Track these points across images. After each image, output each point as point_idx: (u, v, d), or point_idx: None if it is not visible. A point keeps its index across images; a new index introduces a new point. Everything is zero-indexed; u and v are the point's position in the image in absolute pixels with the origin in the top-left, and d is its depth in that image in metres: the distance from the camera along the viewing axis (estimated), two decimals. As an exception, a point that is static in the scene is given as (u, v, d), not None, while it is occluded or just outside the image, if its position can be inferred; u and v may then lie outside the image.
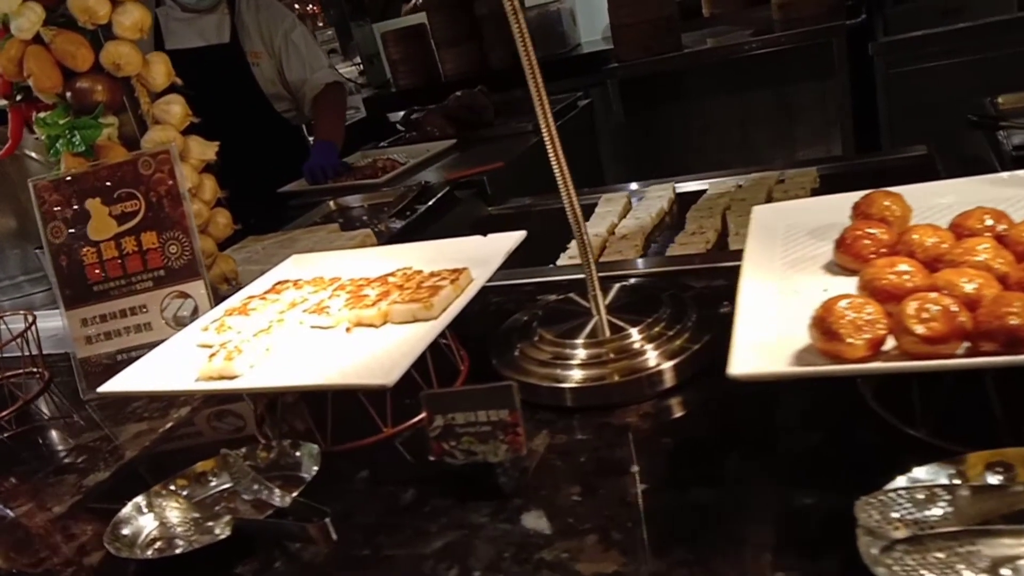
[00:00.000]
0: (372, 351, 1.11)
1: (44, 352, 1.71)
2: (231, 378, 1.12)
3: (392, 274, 1.28)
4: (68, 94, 1.57)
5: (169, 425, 1.39)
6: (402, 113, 4.72)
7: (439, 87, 4.68)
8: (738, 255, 1.50)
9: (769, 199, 1.79)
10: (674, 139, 3.82)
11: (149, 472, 1.27)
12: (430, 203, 2.24)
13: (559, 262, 1.76)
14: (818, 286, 0.98)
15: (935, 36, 3.19)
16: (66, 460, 1.37)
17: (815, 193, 1.79)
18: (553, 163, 1.16)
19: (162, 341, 1.54)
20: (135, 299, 1.56)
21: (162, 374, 1.19)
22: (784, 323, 0.90)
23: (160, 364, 1.22)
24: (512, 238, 1.33)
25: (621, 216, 1.94)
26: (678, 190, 2.04)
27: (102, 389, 1.16)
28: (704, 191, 1.97)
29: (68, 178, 1.56)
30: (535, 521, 0.92)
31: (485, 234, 1.40)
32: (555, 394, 1.13)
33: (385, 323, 1.17)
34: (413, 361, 1.01)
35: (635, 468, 0.97)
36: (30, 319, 1.71)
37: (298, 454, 1.11)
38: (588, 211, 2.12)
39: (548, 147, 1.15)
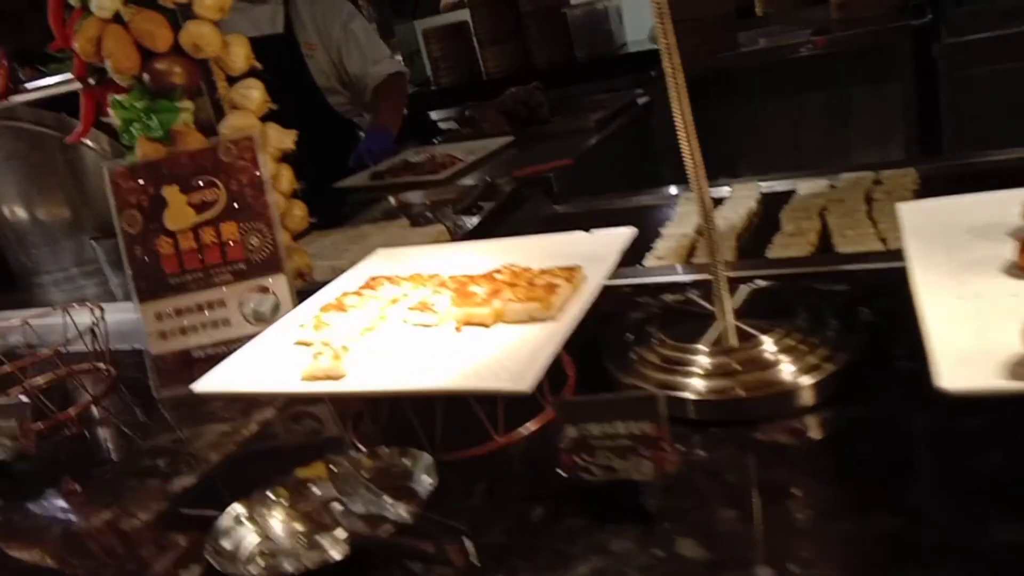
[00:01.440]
0: (491, 353, 1.01)
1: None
2: (339, 379, 1.03)
3: (498, 271, 1.18)
4: (145, 76, 1.49)
5: (254, 427, 1.30)
6: (436, 112, 4.66)
7: (480, 85, 4.60)
8: (860, 258, 1.42)
9: (868, 200, 1.69)
10: (728, 140, 3.70)
11: (239, 478, 1.17)
12: (499, 200, 2.14)
13: (646, 263, 1.66)
14: (1003, 291, 0.88)
15: (1002, 38, 3.06)
16: (146, 463, 1.28)
17: (918, 195, 1.68)
18: (686, 156, 1.06)
19: (240, 338, 1.46)
20: (213, 293, 1.47)
21: (260, 373, 1.10)
22: (980, 331, 0.79)
23: (256, 362, 1.13)
24: (623, 235, 1.23)
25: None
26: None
27: (200, 388, 1.07)
28: (789, 192, 1.87)
29: (144, 164, 1.48)
30: (693, 549, 0.81)
31: (588, 229, 1.30)
32: (677, 405, 1.03)
33: (497, 323, 1.08)
34: (547, 365, 0.91)
35: (796, 491, 0.86)
36: (98, 312, 1.63)
37: (407, 463, 1.01)
38: (664, 211, 2.02)
39: (682, 138, 1.05)
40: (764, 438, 0.95)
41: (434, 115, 4.74)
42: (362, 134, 3.14)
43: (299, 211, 1.64)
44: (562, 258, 1.20)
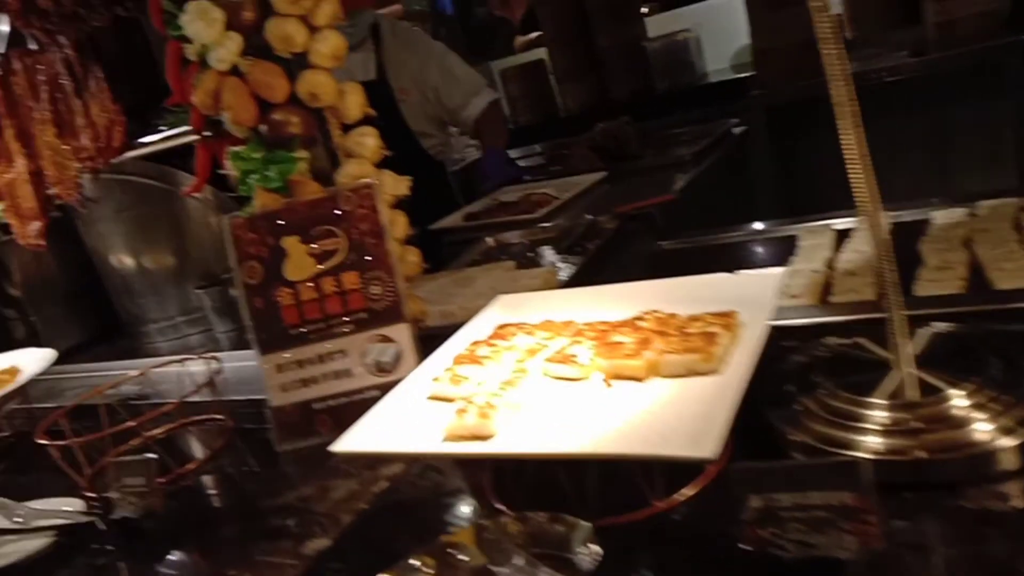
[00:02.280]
0: (652, 411, 0.93)
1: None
2: (487, 439, 0.96)
3: (641, 318, 1.10)
4: (263, 127, 1.47)
5: (383, 484, 1.24)
6: (515, 150, 4.64)
7: (559, 122, 4.56)
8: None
9: (1018, 227, 1.55)
10: (820, 169, 3.56)
11: (375, 540, 1.12)
12: (604, 238, 2.07)
13: (780, 302, 1.55)
14: None
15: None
16: (275, 522, 1.23)
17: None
18: (859, 185, 0.97)
19: (362, 389, 1.42)
20: (334, 344, 1.43)
21: (399, 431, 1.04)
22: None
23: (392, 419, 1.07)
24: (774, 275, 1.14)
25: (833, 250, 1.72)
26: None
27: (339, 448, 1.02)
28: (919, 221, 1.74)
29: (263, 215, 1.46)
30: (914, 637, 0.71)
31: (731, 270, 1.21)
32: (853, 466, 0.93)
33: (651, 376, 1.00)
34: (727, 427, 0.83)
35: (1026, 568, 0.75)
36: (215, 365, 1.62)
37: (561, 530, 0.94)
38: (780, 245, 1.92)
39: (855, 167, 0.96)
40: (973, 506, 0.84)
41: (513, 154, 4.72)
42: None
43: (413, 257, 1.60)
44: (706, 302, 1.11)
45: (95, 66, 1.75)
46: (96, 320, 2.75)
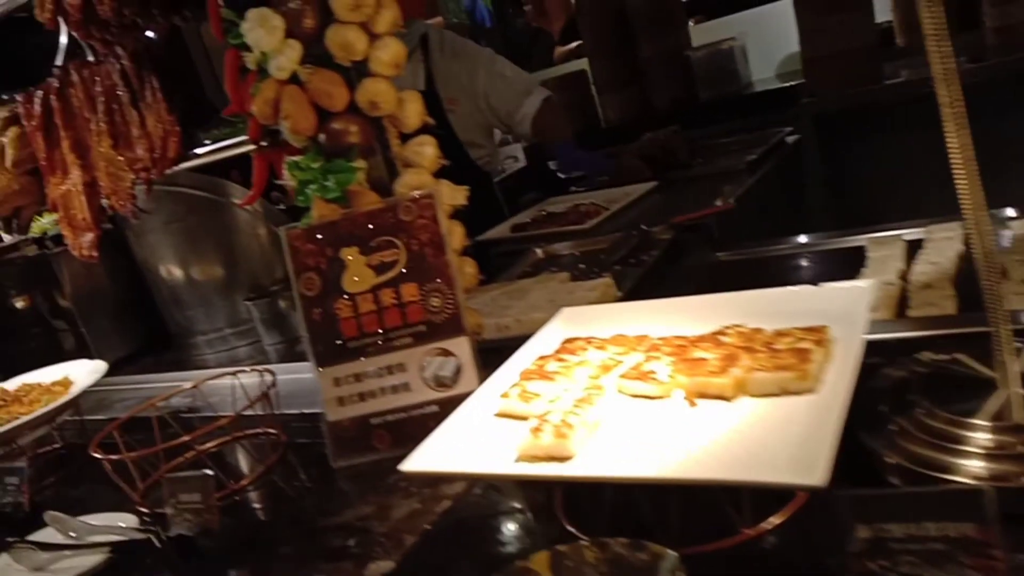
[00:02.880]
0: (744, 433, 0.87)
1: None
2: (565, 460, 0.91)
3: (723, 332, 1.05)
4: (321, 136, 1.45)
5: (446, 503, 1.19)
6: (555, 161, 4.60)
7: (598, 133, 4.52)
8: None
9: (1106, 239, 1.47)
10: (878, 178, 3.47)
11: (442, 563, 1.07)
12: (661, 249, 2.01)
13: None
14: None
15: None
16: (335, 542, 1.19)
17: None
18: (964, 191, 0.90)
19: (421, 404, 1.38)
20: (392, 357, 1.39)
21: (469, 450, 0.99)
22: None
23: (460, 437, 1.02)
24: (864, 288, 1.08)
25: (904, 261, 1.65)
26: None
27: (409, 467, 0.97)
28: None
29: (322, 226, 1.43)
30: None
31: (816, 283, 1.15)
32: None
33: (739, 395, 0.94)
34: (835, 451, 0.77)
35: None
36: (269, 378, 1.59)
37: (645, 558, 0.88)
38: (845, 257, 1.85)
39: (960, 172, 0.90)
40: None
41: (553, 165, 4.68)
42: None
43: (470, 268, 1.56)
44: (790, 316, 1.05)
45: (151, 76, 1.74)
46: (144, 331, 2.75)
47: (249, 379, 1.69)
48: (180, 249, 2.42)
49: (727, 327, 1.06)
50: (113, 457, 1.46)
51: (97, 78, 1.82)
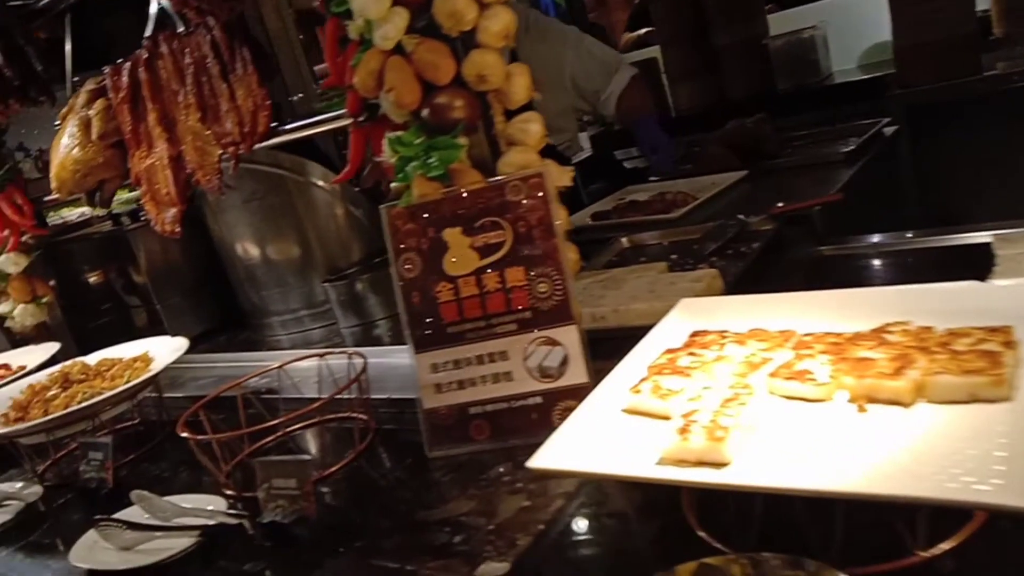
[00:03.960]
0: (931, 442, 0.76)
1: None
2: (720, 466, 0.81)
3: (885, 330, 0.94)
4: (425, 111, 1.37)
5: (558, 502, 1.11)
6: (621, 151, 4.48)
7: (669, 123, 4.38)
8: None
9: None
10: (967, 173, 3.28)
11: (561, 568, 0.99)
12: (764, 241, 1.89)
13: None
14: None
15: None
16: (441, 538, 1.11)
17: None
18: None
19: (523, 395, 1.30)
20: (495, 344, 1.31)
21: (601, 449, 0.90)
22: None
23: (589, 435, 0.94)
24: (1041, 286, 0.96)
25: (1041, 260, 1.51)
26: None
27: (538, 464, 0.89)
28: None
29: (424, 205, 1.35)
30: None
31: (982, 278, 1.04)
32: None
33: (917, 400, 0.83)
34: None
35: None
36: (359, 361, 1.52)
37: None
38: (965, 253, 1.71)
39: None
40: None
41: (619, 154, 4.56)
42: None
43: (573, 254, 1.46)
44: (957, 315, 0.94)
45: (243, 48, 1.68)
46: (217, 310, 2.72)
47: (336, 361, 1.63)
48: (258, 228, 2.38)
49: (889, 324, 0.95)
50: (200, 437, 1.41)
51: (187, 49, 1.77)
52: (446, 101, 1.36)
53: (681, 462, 0.83)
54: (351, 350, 1.57)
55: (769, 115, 2.91)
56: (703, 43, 4.32)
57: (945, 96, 3.19)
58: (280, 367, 1.64)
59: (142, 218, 2.73)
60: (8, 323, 2.55)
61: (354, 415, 1.56)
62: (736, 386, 0.92)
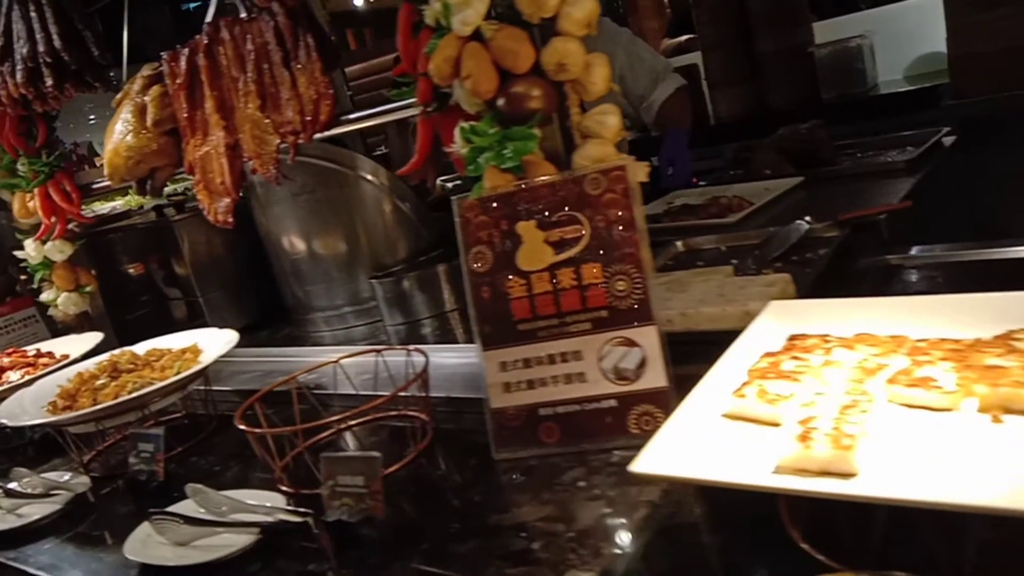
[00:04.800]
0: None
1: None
2: (843, 475, 0.75)
3: (1012, 337, 0.87)
4: (500, 100, 1.32)
5: (643, 511, 1.05)
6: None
7: (707, 130, 4.32)
8: None
9: None
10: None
11: (656, 582, 0.93)
12: (832, 247, 1.82)
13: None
14: None
15: None
16: (516, 543, 1.05)
17: None
18: None
19: (597, 397, 1.24)
20: (568, 343, 1.25)
21: (706, 455, 0.84)
22: None
23: (689, 439, 0.88)
24: None
25: None
26: None
27: (643, 469, 0.83)
28: None
29: (498, 197, 1.30)
30: None
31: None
32: None
33: (1058, 413, 0.77)
34: None
35: None
36: (419, 358, 1.47)
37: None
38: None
39: None
40: None
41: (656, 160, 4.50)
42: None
43: (646, 254, 1.40)
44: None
45: (307, 35, 1.64)
46: (258, 305, 2.68)
47: (393, 358, 1.58)
48: (306, 221, 2.33)
49: (1014, 331, 0.88)
50: (260, 431, 1.37)
51: (249, 36, 1.73)
52: (523, 90, 1.31)
53: (802, 471, 0.77)
54: (411, 347, 1.52)
55: (823, 122, 2.84)
56: (746, 50, 4.25)
57: (1002, 107, 3.10)
58: (337, 361, 1.59)
59: (188, 208, 2.72)
60: (51, 311, 2.53)
61: (409, 413, 1.51)
62: (853, 392, 0.85)
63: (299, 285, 2.44)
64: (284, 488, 1.38)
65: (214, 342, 1.84)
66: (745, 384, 0.93)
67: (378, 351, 1.58)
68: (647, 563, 0.97)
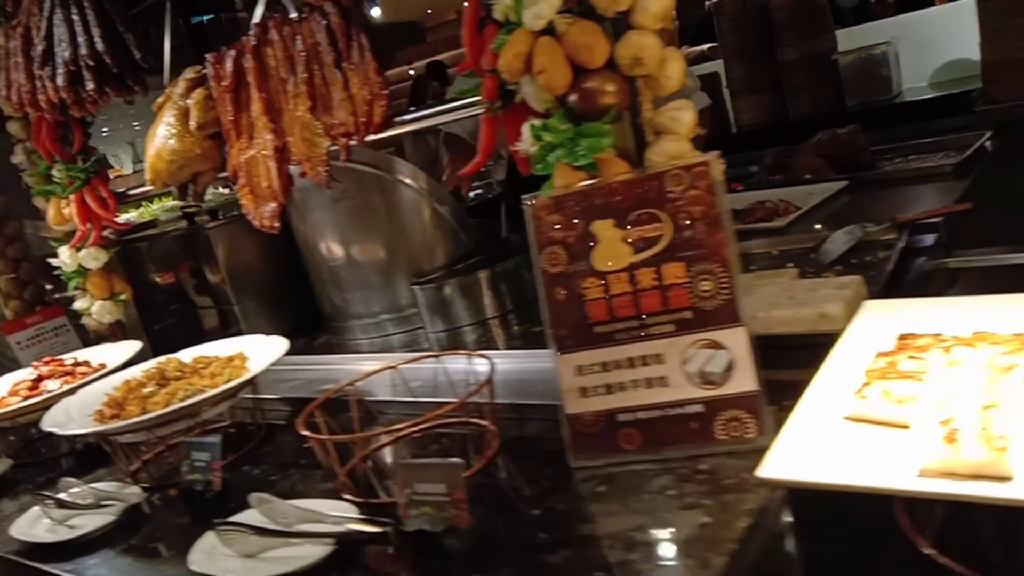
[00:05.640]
0: None
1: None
2: (998, 479, 0.70)
3: None
4: (572, 96, 1.27)
5: (746, 520, 0.99)
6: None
7: (728, 138, 4.28)
8: None
9: None
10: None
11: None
12: (894, 250, 1.77)
13: None
14: None
15: None
16: (611, 554, 1.00)
17: None
18: None
19: (680, 402, 1.19)
20: (649, 346, 1.20)
21: (836, 459, 0.79)
22: None
23: (813, 443, 0.83)
24: None
25: None
26: None
27: (771, 475, 0.78)
28: None
29: (572, 196, 1.25)
30: None
31: None
32: None
33: None
34: None
35: None
36: (481, 363, 1.42)
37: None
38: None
39: None
40: None
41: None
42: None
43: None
44: None
45: (360, 35, 1.60)
46: (292, 313, 2.63)
47: (452, 365, 1.53)
48: (345, 228, 2.29)
49: None
50: (326, 437, 1.32)
51: (299, 36, 1.69)
52: (597, 85, 1.27)
53: (950, 475, 0.72)
54: (474, 353, 1.47)
55: (861, 126, 2.79)
56: (769, 58, 4.22)
57: (1036, 111, 3.06)
58: (395, 367, 1.55)
59: (222, 216, 2.68)
60: (84, 320, 2.48)
61: (471, 421, 1.46)
62: (990, 392, 0.80)
63: (337, 292, 2.39)
64: (349, 497, 1.33)
65: (260, 349, 1.79)
66: (865, 385, 0.88)
67: (437, 356, 1.54)
68: (758, 574, 0.92)
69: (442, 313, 2.19)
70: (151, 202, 4.11)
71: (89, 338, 2.61)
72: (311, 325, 2.55)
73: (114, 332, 2.50)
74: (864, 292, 1.52)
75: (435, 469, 1.11)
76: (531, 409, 1.48)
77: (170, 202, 5.19)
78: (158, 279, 2.87)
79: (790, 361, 1.23)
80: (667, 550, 0.97)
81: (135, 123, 6.36)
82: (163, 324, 2.82)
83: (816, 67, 4.12)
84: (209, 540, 1.25)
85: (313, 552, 1.16)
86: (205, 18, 4.97)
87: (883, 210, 2.18)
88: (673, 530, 1.01)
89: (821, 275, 1.76)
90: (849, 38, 4.26)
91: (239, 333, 2.47)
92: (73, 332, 2.69)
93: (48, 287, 2.89)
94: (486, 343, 2.10)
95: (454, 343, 2.13)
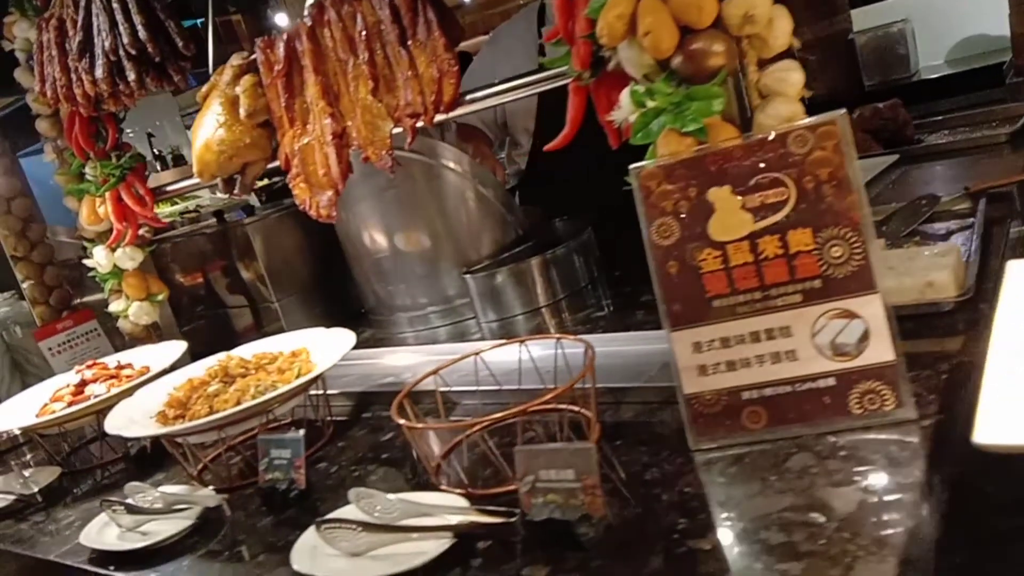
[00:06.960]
0: None
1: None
2: None
3: None
4: (676, 59, 1.20)
5: (909, 495, 0.92)
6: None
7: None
8: None
9: None
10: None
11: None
12: (982, 219, 1.71)
13: None
14: None
15: None
16: (770, 539, 0.93)
17: None
18: None
19: (811, 376, 1.11)
20: (774, 318, 1.13)
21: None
22: None
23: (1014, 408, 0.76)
24: None
25: None
26: None
27: (990, 441, 0.71)
28: None
29: (683, 163, 1.18)
30: None
31: None
32: None
33: None
34: None
35: None
36: (577, 348, 1.34)
37: None
38: None
39: None
40: None
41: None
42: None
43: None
44: None
45: (427, 8, 1.52)
46: (330, 308, 2.54)
47: (538, 350, 1.45)
48: (390, 217, 2.20)
49: None
50: (422, 426, 1.24)
51: (359, 14, 1.60)
52: (705, 46, 1.19)
53: None
54: (562, 336, 1.39)
55: (901, 101, 2.73)
56: (783, 40, 4.16)
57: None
58: (477, 354, 1.46)
59: (258, 212, 2.59)
60: (120, 323, 2.38)
61: (570, 408, 1.38)
62: None
63: (381, 285, 2.31)
64: (445, 488, 1.25)
65: (323, 343, 1.71)
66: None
67: (522, 341, 1.45)
68: (944, 550, 0.84)
69: (494, 302, 2.12)
70: (159, 205, 4.01)
71: (120, 342, 2.51)
72: (353, 319, 2.46)
73: (149, 334, 2.40)
74: (962, 260, 1.46)
75: (562, 454, 1.03)
76: (626, 392, 1.41)
77: (182, 204, 5.09)
78: (189, 279, 2.77)
79: (900, 333, 1.16)
80: (833, 531, 0.90)
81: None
82: (192, 325, 2.73)
83: (833, 47, 4.07)
84: (309, 540, 1.17)
85: (428, 548, 1.08)
86: (198, 21, 4.86)
87: (939, 183, 2.13)
88: (832, 509, 0.94)
89: (903, 247, 1.69)
90: (863, 17, 4.22)
91: (280, 331, 2.38)
92: (104, 337, 2.59)
93: (71, 291, 2.79)
94: (539, 331, 2.03)
95: (506, 333, 2.05)
